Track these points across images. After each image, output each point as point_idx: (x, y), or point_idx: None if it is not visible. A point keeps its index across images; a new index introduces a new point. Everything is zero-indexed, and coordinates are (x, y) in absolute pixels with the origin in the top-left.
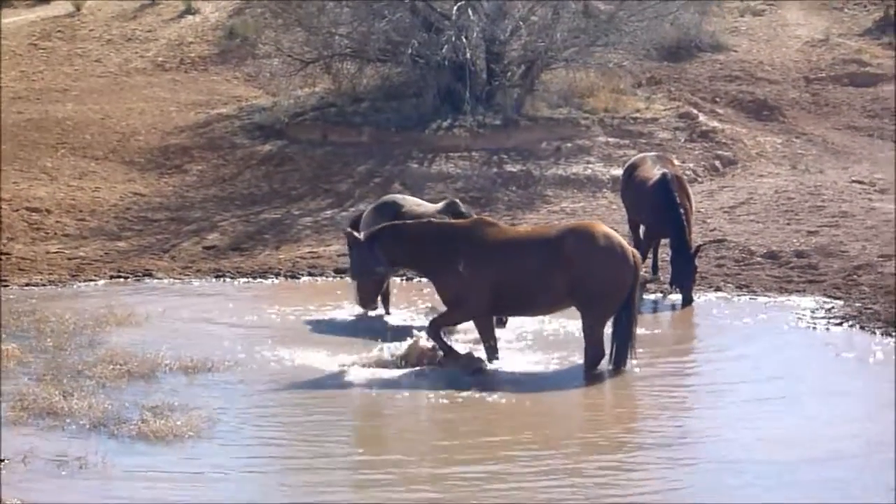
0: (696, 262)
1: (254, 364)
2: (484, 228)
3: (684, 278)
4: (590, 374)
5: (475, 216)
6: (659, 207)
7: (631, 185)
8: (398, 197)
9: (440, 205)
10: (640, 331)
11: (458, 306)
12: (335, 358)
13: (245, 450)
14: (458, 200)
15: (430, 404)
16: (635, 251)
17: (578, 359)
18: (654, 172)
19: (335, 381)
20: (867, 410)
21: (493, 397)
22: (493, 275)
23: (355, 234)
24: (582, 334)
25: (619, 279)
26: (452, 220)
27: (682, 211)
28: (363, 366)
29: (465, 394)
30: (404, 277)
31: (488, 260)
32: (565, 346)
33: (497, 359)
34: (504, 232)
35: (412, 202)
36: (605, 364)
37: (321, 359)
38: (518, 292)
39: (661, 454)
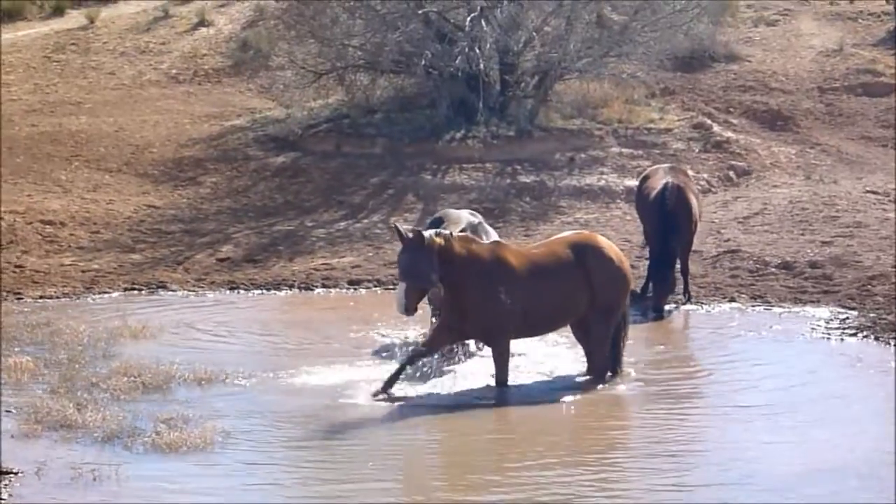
0: (675, 275)
1: (268, 376)
2: (509, 254)
3: (658, 289)
4: (600, 384)
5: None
6: (657, 219)
7: (640, 197)
8: (445, 213)
9: (464, 224)
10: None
11: (502, 335)
12: (350, 371)
13: (258, 462)
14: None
15: (445, 417)
16: None
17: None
18: (658, 184)
19: (350, 395)
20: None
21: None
22: (526, 300)
23: (417, 232)
24: (589, 345)
25: (627, 286)
26: (480, 242)
27: (667, 224)
28: (376, 380)
29: (480, 410)
30: None
31: (522, 285)
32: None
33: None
34: (524, 255)
35: (455, 218)
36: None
37: (336, 371)
38: (549, 313)
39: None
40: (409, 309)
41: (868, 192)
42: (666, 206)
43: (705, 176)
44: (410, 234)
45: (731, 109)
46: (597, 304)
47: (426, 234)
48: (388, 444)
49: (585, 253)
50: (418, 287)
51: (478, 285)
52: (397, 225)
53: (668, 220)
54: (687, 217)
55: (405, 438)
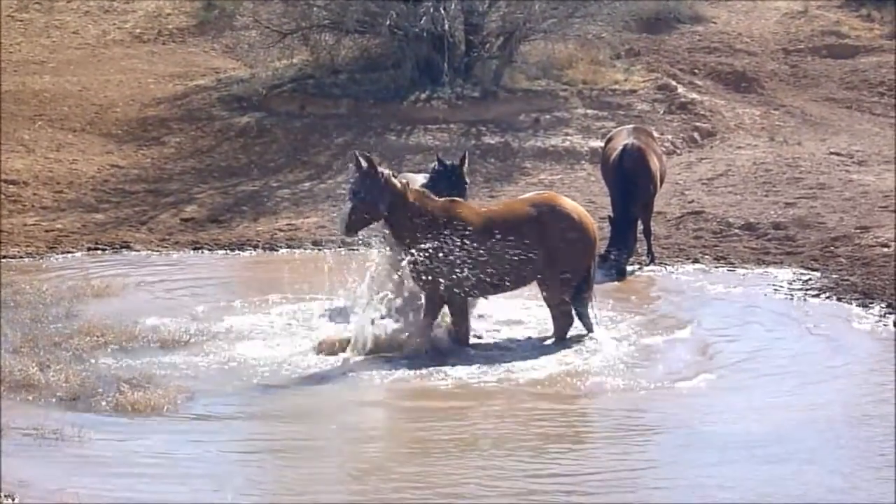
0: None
1: (230, 337)
2: (463, 211)
3: (618, 249)
4: (561, 343)
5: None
6: (616, 180)
7: (603, 158)
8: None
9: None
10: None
11: (455, 292)
12: (312, 332)
13: (221, 423)
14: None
15: (406, 383)
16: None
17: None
18: (620, 145)
19: (312, 355)
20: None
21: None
22: (479, 256)
23: (377, 165)
24: (549, 307)
25: (589, 248)
26: (435, 199)
27: (625, 185)
28: (336, 339)
29: (449, 380)
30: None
31: (474, 241)
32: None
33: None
34: (479, 213)
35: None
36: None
37: (298, 332)
38: (503, 273)
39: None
40: (350, 229)
41: (832, 153)
42: (624, 168)
43: (670, 137)
44: (368, 165)
45: (696, 71)
46: (554, 265)
47: (385, 171)
48: (349, 403)
49: (542, 213)
50: (364, 209)
51: (428, 239)
52: (357, 152)
53: (626, 182)
54: (646, 178)
55: (369, 397)
